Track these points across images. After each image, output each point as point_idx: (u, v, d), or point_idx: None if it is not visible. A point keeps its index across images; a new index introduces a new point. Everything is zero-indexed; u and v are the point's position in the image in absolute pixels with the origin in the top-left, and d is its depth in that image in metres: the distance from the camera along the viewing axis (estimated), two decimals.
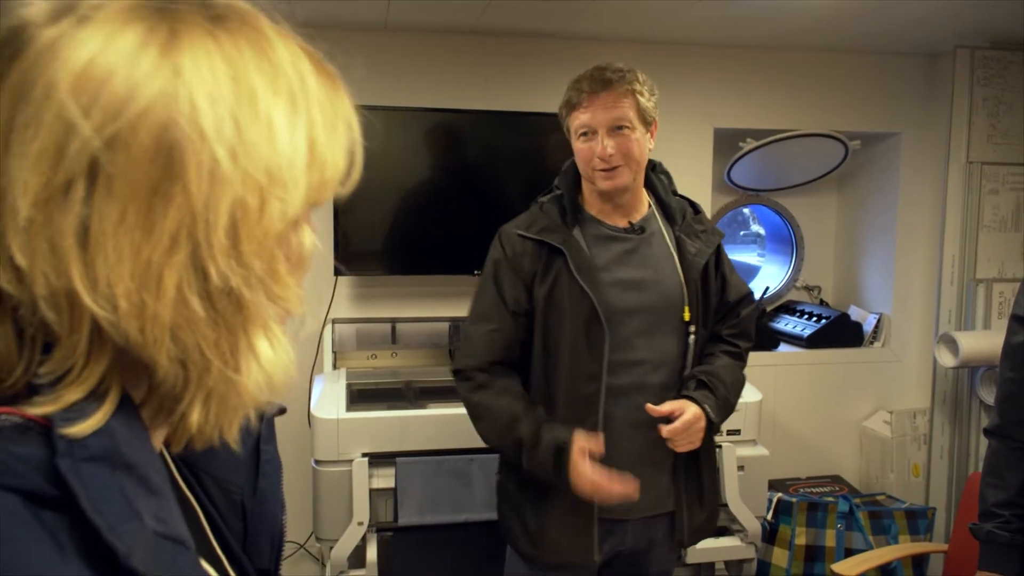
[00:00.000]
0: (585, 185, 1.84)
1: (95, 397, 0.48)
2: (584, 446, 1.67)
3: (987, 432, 1.82)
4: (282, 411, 0.73)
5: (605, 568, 1.92)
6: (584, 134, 1.74)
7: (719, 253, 1.92)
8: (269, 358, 0.52)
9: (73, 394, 0.47)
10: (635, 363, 1.79)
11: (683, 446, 1.76)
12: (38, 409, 0.46)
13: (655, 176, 1.90)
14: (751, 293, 1.98)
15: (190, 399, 0.50)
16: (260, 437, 0.70)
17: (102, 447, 0.47)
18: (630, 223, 1.83)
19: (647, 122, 1.77)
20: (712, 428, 1.79)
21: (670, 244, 1.84)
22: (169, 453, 0.64)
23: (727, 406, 1.82)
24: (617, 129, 1.72)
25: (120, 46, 0.46)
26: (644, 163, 1.80)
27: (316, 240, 0.57)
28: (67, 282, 0.45)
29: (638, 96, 1.74)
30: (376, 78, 2.96)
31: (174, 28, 0.47)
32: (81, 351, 0.47)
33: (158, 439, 0.55)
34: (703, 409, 1.75)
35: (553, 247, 1.77)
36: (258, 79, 0.50)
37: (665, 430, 1.73)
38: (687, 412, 1.73)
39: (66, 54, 0.45)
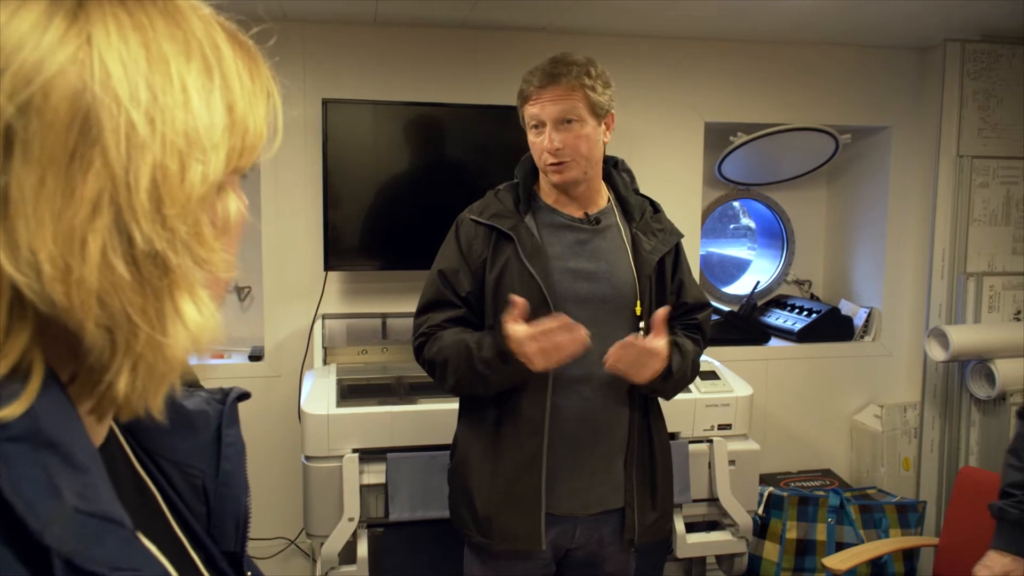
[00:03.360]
0: (542, 175, 1.86)
1: (18, 376, 0.48)
2: (511, 316, 1.66)
3: (1020, 413, 1.88)
4: (245, 396, 0.74)
5: (560, 570, 1.92)
6: (535, 126, 1.77)
7: (678, 254, 1.92)
8: (196, 321, 0.52)
9: None
10: (583, 353, 1.77)
11: (625, 368, 1.71)
12: None
13: (616, 173, 1.91)
14: (709, 303, 1.99)
15: (117, 367, 0.50)
16: (222, 421, 0.70)
17: (23, 427, 0.47)
18: (586, 214, 1.85)
19: (599, 115, 1.76)
20: (665, 377, 1.76)
21: (625, 239, 1.86)
22: (124, 438, 0.64)
23: (681, 372, 1.80)
24: (565, 123, 1.73)
25: (26, 17, 0.46)
26: (597, 157, 1.80)
27: (244, 207, 0.58)
28: None
29: (587, 90, 1.73)
30: (365, 72, 2.95)
31: None
32: (0, 323, 0.47)
33: (88, 417, 0.55)
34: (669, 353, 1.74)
35: (503, 232, 1.79)
36: (169, 46, 0.50)
37: (619, 344, 1.69)
38: (656, 339, 1.71)
39: None
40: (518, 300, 1.67)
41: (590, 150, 1.76)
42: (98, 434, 0.57)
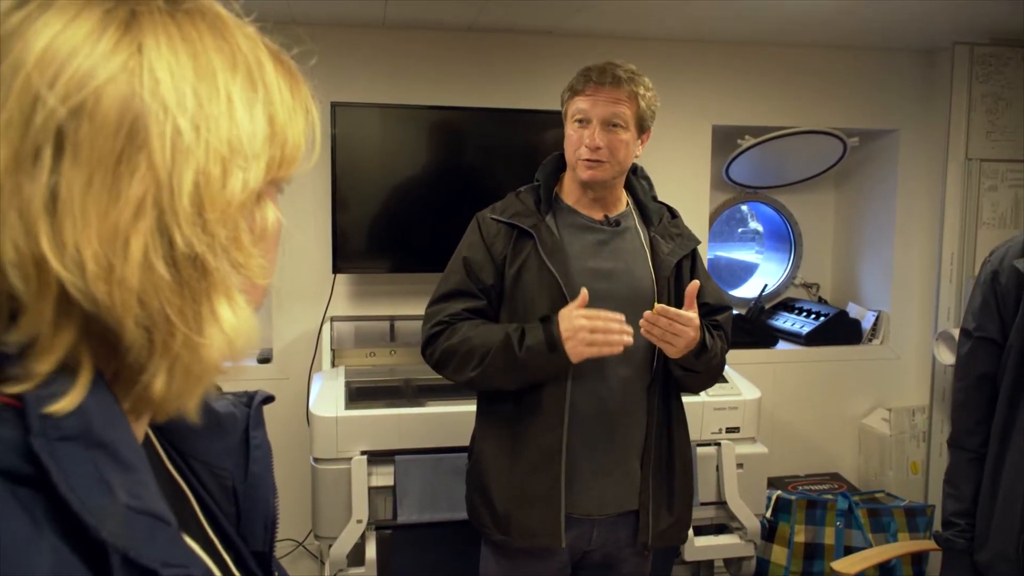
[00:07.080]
0: (567, 175, 1.89)
1: (67, 372, 0.49)
2: (575, 305, 1.70)
3: (947, 443, 1.90)
4: (269, 399, 0.75)
5: (575, 572, 1.93)
6: (579, 121, 1.78)
7: (695, 259, 1.94)
8: (232, 324, 0.54)
9: (42, 365, 0.48)
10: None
11: (659, 336, 1.71)
12: (12, 388, 0.47)
13: (635, 179, 1.95)
14: (730, 307, 2.00)
15: (155, 367, 0.52)
16: (249, 423, 0.72)
17: (75, 426, 0.48)
18: (606, 216, 1.87)
19: (641, 128, 1.82)
20: (698, 353, 1.76)
21: (644, 242, 1.88)
22: (157, 439, 0.65)
23: (714, 352, 1.81)
24: (612, 125, 1.77)
25: (80, 27, 0.48)
26: (628, 165, 1.85)
27: (280, 217, 0.60)
28: (35, 247, 0.47)
29: (640, 100, 1.78)
30: (374, 75, 2.95)
31: (133, 10, 0.50)
32: (48, 318, 0.48)
33: (132, 418, 0.56)
34: (702, 330, 1.75)
35: (524, 230, 1.81)
36: (217, 58, 0.53)
37: (657, 308, 1.70)
38: (689, 312, 1.72)
39: (30, 35, 0.48)
40: (584, 291, 1.71)
41: (625, 157, 1.80)
42: (138, 434, 0.58)
